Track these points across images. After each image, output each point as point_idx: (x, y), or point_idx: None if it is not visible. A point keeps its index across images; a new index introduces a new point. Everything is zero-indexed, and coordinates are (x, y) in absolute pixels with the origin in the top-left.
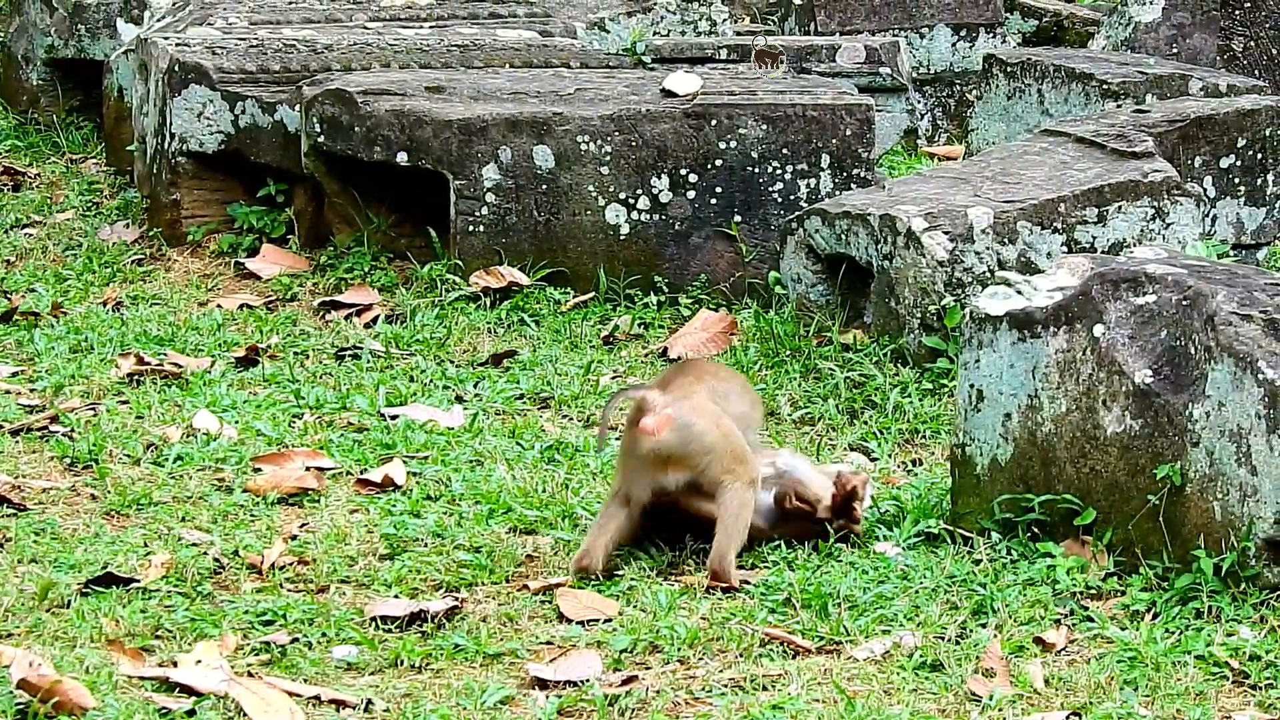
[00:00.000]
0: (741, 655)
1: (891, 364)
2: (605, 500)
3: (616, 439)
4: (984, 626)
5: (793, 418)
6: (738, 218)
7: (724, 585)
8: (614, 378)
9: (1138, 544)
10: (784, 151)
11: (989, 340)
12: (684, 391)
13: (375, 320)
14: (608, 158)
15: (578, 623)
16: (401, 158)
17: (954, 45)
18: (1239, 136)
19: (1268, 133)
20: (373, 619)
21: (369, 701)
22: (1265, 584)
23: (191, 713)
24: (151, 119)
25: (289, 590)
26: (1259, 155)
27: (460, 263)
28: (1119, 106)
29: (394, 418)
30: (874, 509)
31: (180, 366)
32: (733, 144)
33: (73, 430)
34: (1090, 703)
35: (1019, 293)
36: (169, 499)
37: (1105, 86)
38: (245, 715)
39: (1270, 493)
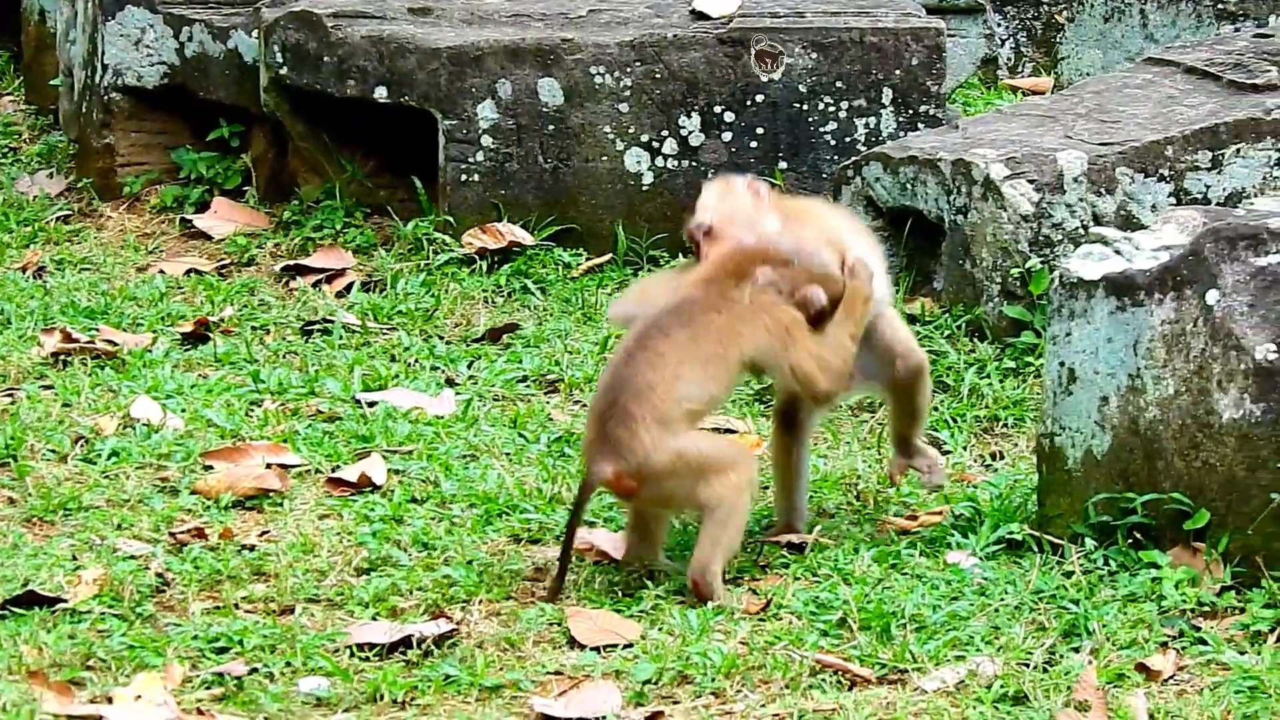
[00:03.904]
0: (788, 687)
1: (967, 338)
2: None
3: None
4: (1076, 651)
5: (850, 402)
6: (783, 164)
7: (703, 597)
8: None
9: (1259, 552)
10: (838, 85)
11: (1082, 310)
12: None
13: (349, 288)
14: (627, 93)
15: (592, 649)
16: (380, 93)
17: None
18: None
19: None
20: (347, 646)
21: None
22: None
23: None
24: (80, 48)
25: (246, 611)
26: None
27: (451, 219)
28: (1237, 29)
29: (372, 405)
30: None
31: (115, 344)
32: (777, 75)
33: None
34: None
35: (1118, 253)
36: (102, 503)
37: (1220, 6)
38: None
39: None
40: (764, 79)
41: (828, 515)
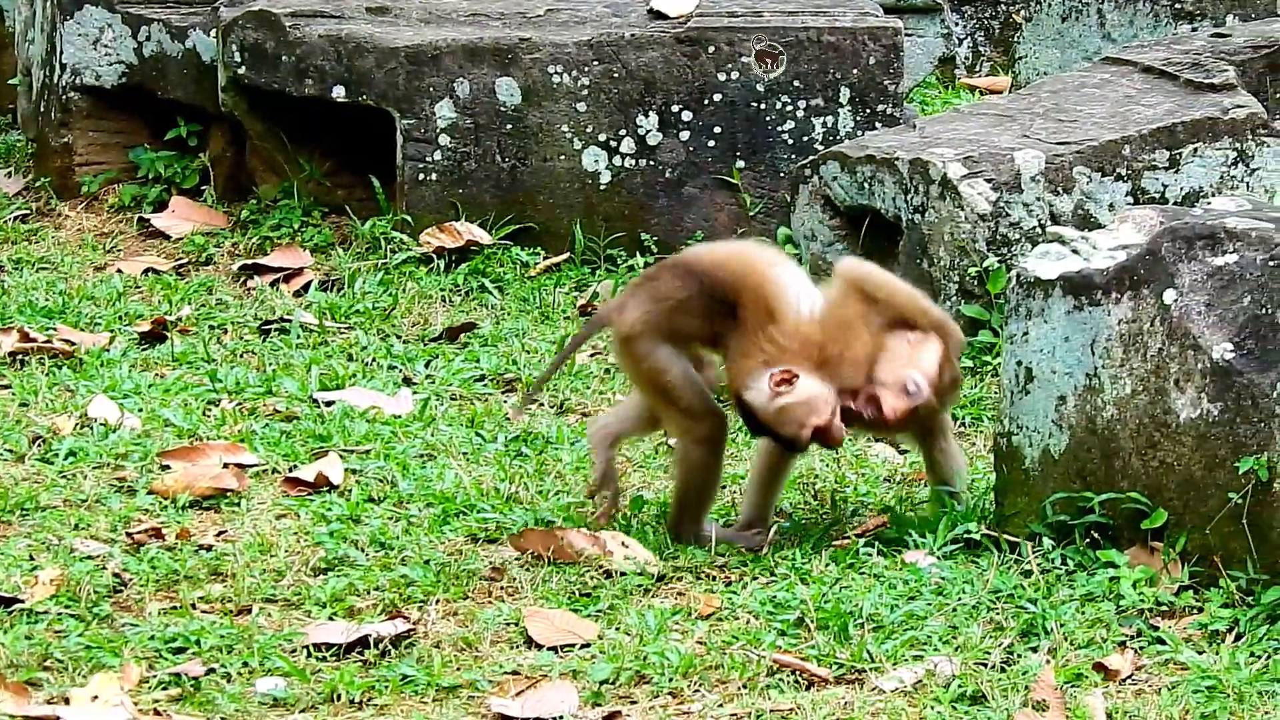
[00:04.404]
0: (745, 686)
1: None
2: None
3: None
4: (1034, 651)
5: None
6: (740, 163)
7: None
8: (593, 355)
9: (1217, 551)
10: (795, 84)
11: (1039, 309)
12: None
13: (307, 287)
14: (585, 92)
15: (549, 648)
16: (338, 92)
17: None
18: None
19: None
20: (304, 646)
21: None
22: None
23: None
24: (38, 47)
25: (203, 611)
26: None
27: (409, 218)
28: (1194, 29)
29: (329, 404)
30: (901, 508)
31: (73, 344)
32: (734, 75)
33: None
34: None
35: (1075, 252)
36: (59, 502)
37: (1178, 6)
38: None
39: None
40: (721, 78)
41: (785, 515)
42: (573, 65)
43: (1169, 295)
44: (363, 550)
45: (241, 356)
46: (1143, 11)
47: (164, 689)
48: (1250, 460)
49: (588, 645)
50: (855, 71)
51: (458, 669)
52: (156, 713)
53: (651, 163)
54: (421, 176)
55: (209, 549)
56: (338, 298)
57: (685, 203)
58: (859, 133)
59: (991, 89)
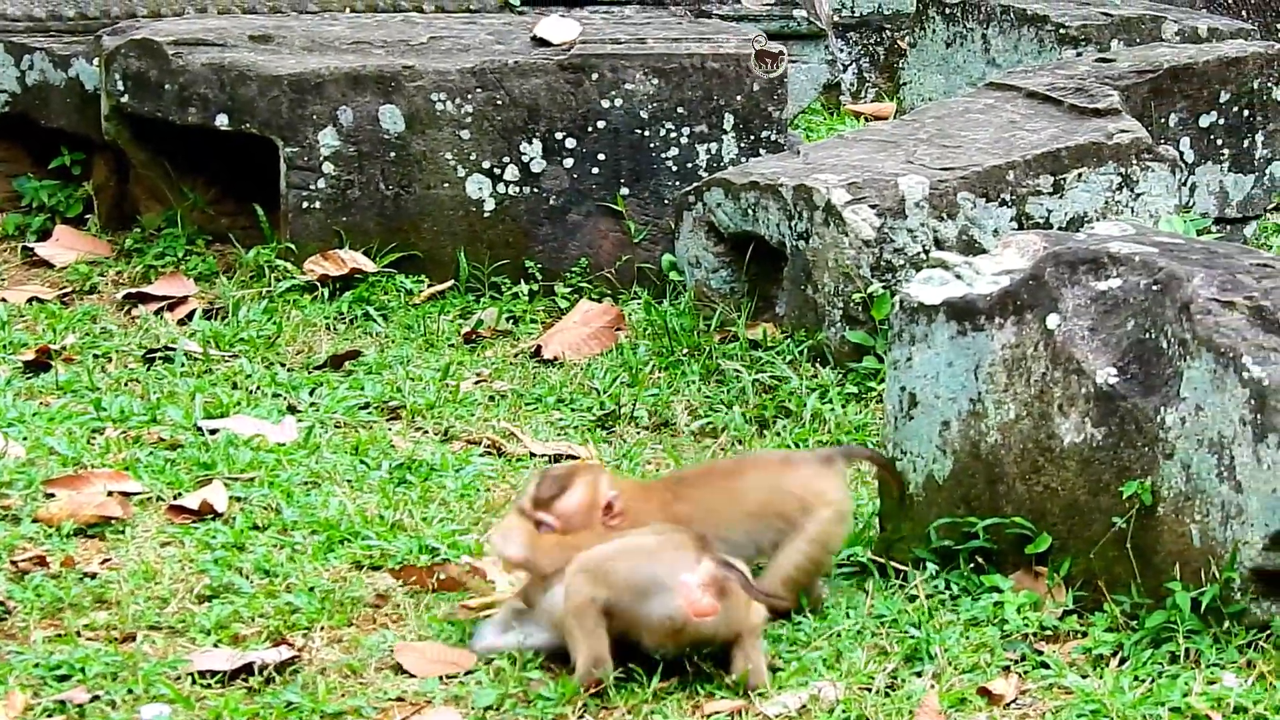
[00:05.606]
0: (630, 713)
1: (809, 363)
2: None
3: None
4: (919, 676)
5: (691, 429)
6: (624, 190)
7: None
8: (477, 382)
9: (1101, 576)
10: (679, 111)
11: (923, 334)
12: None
13: (191, 315)
14: (468, 119)
15: (435, 676)
16: (221, 120)
17: None
18: (1222, 90)
19: (1255, 85)
20: (189, 673)
21: None
22: (1252, 622)
23: None
24: None
25: (88, 639)
26: (1245, 112)
27: (293, 246)
28: (1078, 55)
29: (213, 432)
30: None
31: None
32: (618, 102)
33: None
34: None
35: (959, 277)
36: None
37: (1062, 31)
38: None
39: (1258, 513)
40: (605, 105)
41: None
42: (456, 93)
43: (1052, 320)
44: (247, 578)
45: (126, 385)
46: (1027, 37)
47: (49, 716)
48: (1134, 484)
49: (472, 671)
50: (739, 98)
51: (342, 695)
52: None
53: (535, 190)
54: (305, 204)
55: (94, 577)
56: (222, 326)
57: (569, 230)
58: (743, 159)
59: (876, 115)
